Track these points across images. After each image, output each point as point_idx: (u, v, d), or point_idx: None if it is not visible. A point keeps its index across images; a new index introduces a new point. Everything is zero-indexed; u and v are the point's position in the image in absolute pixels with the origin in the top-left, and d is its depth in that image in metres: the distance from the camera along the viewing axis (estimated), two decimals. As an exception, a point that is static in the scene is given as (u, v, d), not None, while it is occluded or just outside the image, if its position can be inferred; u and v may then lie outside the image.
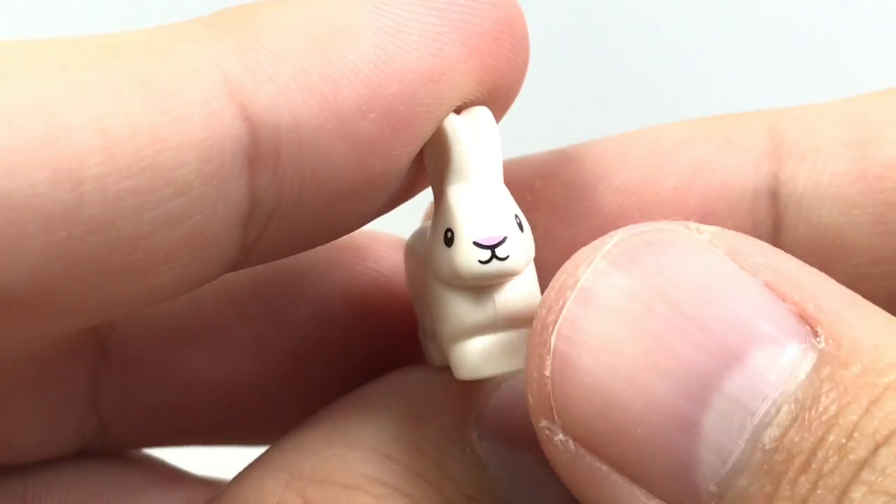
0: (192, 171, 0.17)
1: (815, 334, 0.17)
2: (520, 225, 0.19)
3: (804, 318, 0.17)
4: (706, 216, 0.23)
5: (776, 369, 0.17)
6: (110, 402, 0.24)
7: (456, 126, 0.20)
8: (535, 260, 0.20)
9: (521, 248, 0.19)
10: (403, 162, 0.19)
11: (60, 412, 0.24)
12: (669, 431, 0.17)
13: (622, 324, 0.17)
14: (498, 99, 0.21)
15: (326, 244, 0.21)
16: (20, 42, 0.17)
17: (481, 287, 0.20)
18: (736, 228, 0.19)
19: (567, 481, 0.18)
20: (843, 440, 0.16)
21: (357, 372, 0.25)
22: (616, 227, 0.19)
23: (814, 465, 0.16)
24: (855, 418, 0.16)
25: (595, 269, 0.18)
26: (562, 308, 0.18)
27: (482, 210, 0.20)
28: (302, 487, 0.20)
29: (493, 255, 0.19)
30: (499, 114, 0.21)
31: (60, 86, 0.16)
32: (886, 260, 0.23)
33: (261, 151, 0.18)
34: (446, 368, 0.21)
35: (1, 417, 0.23)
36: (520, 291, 0.20)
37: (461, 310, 0.20)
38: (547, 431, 0.18)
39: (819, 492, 0.16)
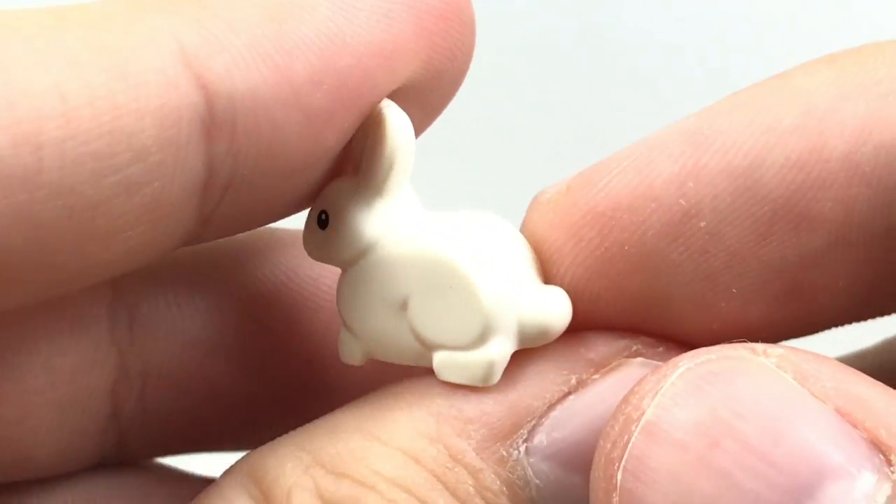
0: (149, 137, 0.17)
1: (889, 463, 0.16)
2: (323, 221, 0.20)
3: (876, 446, 0.16)
4: (882, 180, 0.21)
5: (850, 502, 0.16)
6: (130, 413, 0.24)
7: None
8: None
9: (309, 242, 0.21)
10: (349, 137, 0.20)
11: (81, 426, 0.24)
12: None
13: (690, 461, 0.17)
14: (445, 83, 0.21)
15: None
16: None
17: None
18: None
19: None
20: None
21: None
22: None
23: None
24: None
25: (660, 402, 0.17)
26: (627, 443, 0.17)
27: None
28: (319, 476, 0.19)
29: None
30: (443, 100, 0.21)
31: (19, 53, 0.16)
32: None
33: (217, 120, 0.18)
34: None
35: (21, 434, 0.23)
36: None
37: None
38: None
39: None
